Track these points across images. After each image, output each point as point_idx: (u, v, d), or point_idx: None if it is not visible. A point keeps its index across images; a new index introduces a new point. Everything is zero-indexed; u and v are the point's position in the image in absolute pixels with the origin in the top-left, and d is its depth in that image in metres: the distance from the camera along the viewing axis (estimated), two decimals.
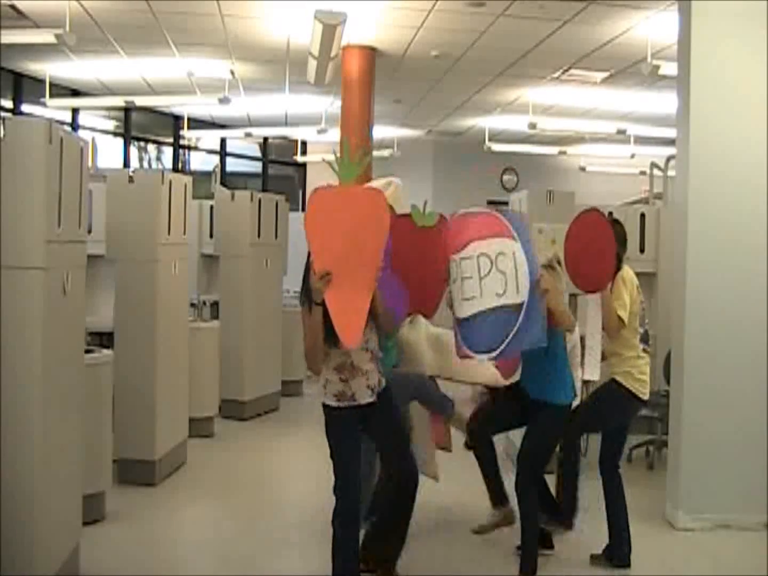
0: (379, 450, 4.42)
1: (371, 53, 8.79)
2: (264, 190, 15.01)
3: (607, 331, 4.68)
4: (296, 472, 7.09)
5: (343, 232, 3.71)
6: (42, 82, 10.09)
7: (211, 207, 9.38)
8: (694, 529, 5.40)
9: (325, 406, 3.99)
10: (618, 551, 4.74)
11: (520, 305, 4.00)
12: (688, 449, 5.53)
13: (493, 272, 4.06)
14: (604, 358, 4.85)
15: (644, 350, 4.80)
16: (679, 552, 5.15)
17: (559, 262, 4.67)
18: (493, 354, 4.13)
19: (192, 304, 8.40)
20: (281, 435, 8.11)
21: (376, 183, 5.39)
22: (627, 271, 4.79)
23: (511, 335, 4.01)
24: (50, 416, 3.92)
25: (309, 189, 15.92)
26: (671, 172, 8.42)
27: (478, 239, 4.13)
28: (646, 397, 4.80)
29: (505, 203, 8.34)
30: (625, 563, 4.72)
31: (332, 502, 4.80)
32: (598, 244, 4.60)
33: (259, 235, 8.75)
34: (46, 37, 7.49)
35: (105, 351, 5.38)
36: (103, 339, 6.36)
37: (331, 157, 4.12)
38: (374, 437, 4.18)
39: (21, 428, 3.78)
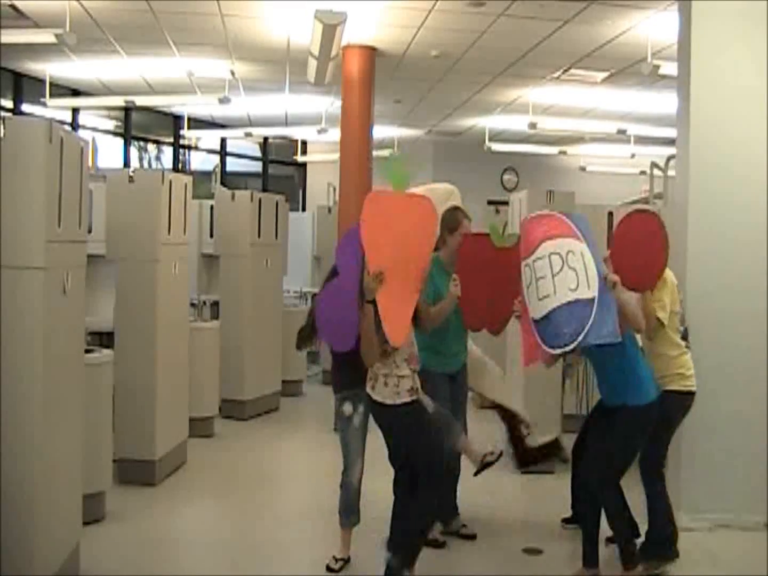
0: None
1: (371, 53, 8.77)
2: (264, 190, 14.99)
3: (645, 332, 4.67)
4: (296, 472, 7.09)
5: (395, 236, 3.94)
6: (42, 82, 10.08)
7: (211, 207, 9.38)
8: (694, 529, 5.40)
9: (400, 406, 4.08)
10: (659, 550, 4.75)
11: (593, 299, 4.16)
12: (688, 449, 5.52)
13: (565, 269, 4.22)
14: None
15: (686, 346, 4.85)
16: (679, 552, 5.14)
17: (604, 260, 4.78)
18: (569, 347, 4.24)
19: (192, 304, 8.40)
20: (281, 435, 8.11)
21: (437, 190, 5.49)
22: (667, 272, 4.81)
23: (586, 328, 4.14)
24: (50, 416, 3.92)
25: (309, 189, 15.99)
26: (671, 172, 8.42)
27: (548, 239, 4.31)
28: (695, 388, 4.85)
29: (505, 203, 8.33)
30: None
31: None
32: (650, 246, 4.63)
33: (259, 235, 8.75)
34: (46, 37, 7.48)
35: (105, 351, 5.39)
36: (103, 339, 6.36)
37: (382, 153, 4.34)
38: None
39: (21, 428, 3.78)
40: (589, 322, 4.14)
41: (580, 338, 4.16)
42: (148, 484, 6.06)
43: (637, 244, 4.60)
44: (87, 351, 4.89)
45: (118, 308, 6.19)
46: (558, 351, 4.32)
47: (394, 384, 4.06)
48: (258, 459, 7.24)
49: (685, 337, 4.86)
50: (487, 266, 4.62)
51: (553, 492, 6.18)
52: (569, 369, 7.16)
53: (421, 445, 4.20)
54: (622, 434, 4.47)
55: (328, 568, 4.64)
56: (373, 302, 3.90)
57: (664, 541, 4.75)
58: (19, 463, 3.78)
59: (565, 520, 5.34)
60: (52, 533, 4.00)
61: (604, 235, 8.14)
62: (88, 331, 5.34)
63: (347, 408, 4.59)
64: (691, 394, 4.81)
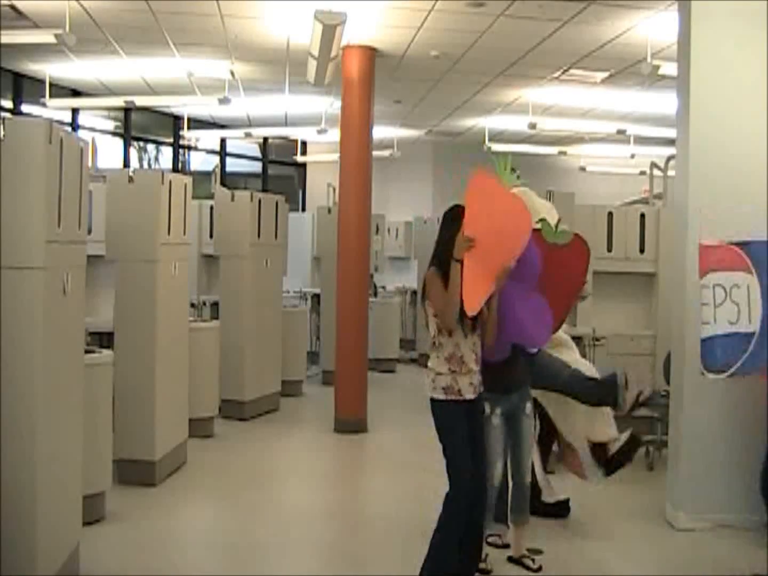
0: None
1: (371, 53, 8.76)
2: (264, 190, 14.98)
3: None
4: (296, 472, 7.08)
5: (491, 218, 4.12)
6: (42, 82, 10.07)
7: (211, 207, 9.38)
8: (695, 530, 5.40)
9: (435, 401, 4.20)
10: None
11: (752, 333, 4.38)
12: (688, 449, 5.52)
13: (727, 302, 4.46)
14: None
15: None
16: (679, 552, 5.14)
17: None
18: (725, 374, 4.50)
19: (192, 304, 8.40)
20: (281, 435, 8.11)
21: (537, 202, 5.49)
22: None
23: (743, 359, 4.38)
24: (50, 416, 3.92)
25: (309, 189, 15.97)
26: (671, 172, 8.42)
27: (715, 270, 4.56)
28: None
29: None
30: None
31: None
32: None
33: (259, 235, 8.75)
34: (46, 37, 7.47)
35: (105, 351, 5.39)
36: (103, 339, 6.37)
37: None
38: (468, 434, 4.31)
39: (21, 428, 3.78)
40: (746, 355, 4.37)
41: (733, 369, 4.42)
42: (148, 484, 6.06)
43: None
44: (87, 351, 4.89)
45: (118, 308, 6.19)
46: (712, 376, 4.61)
47: (431, 379, 4.21)
48: (258, 459, 7.25)
49: None
50: (541, 263, 4.49)
51: None
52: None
53: (446, 451, 4.21)
54: None
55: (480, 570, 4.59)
56: (460, 262, 4.05)
57: None
58: (20, 463, 3.78)
59: None
60: (52, 533, 4.00)
61: (604, 234, 8.17)
62: (88, 331, 5.34)
63: (485, 408, 4.57)
64: None
